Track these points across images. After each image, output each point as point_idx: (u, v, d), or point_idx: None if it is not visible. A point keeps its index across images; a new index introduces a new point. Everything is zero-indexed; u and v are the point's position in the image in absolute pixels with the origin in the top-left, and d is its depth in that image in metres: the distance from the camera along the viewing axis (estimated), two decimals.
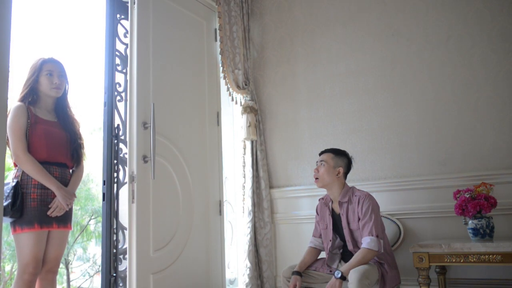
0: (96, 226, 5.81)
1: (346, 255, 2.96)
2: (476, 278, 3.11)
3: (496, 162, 3.31)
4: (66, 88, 2.88)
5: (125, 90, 3.33)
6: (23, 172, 2.58)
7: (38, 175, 2.56)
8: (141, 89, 3.17)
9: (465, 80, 3.48)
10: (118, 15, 3.41)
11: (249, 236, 3.89)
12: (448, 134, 3.49)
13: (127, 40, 3.35)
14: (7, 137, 2.58)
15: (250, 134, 4.00)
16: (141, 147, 3.09)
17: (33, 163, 2.57)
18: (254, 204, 3.96)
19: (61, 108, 2.84)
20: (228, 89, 3.99)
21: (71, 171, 2.82)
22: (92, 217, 5.71)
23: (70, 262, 5.56)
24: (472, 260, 2.71)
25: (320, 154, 3.11)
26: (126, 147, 3.15)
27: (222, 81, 4.01)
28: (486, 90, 3.42)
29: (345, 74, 3.94)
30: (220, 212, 3.86)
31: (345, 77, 3.93)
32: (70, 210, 2.78)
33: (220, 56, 3.95)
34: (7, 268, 5.60)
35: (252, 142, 4.07)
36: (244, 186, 4.05)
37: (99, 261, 5.55)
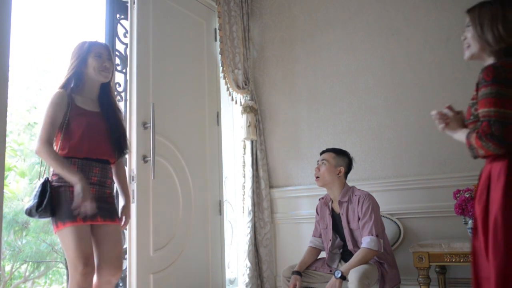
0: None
1: (346, 255, 2.97)
2: None
3: None
4: (113, 75, 2.66)
5: (125, 90, 3.33)
6: (45, 181, 2.36)
7: (59, 167, 2.29)
8: (141, 89, 3.17)
9: (465, 79, 3.48)
10: (117, 15, 3.41)
11: (249, 236, 3.89)
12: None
13: (126, 40, 3.35)
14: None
15: (250, 134, 4.00)
16: (141, 147, 3.09)
17: (50, 153, 2.30)
18: (254, 204, 3.96)
19: (106, 95, 2.59)
20: (228, 89, 3.99)
21: (112, 167, 2.58)
22: None
23: None
24: (471, 260, 2.71)
25: (321, 153, 3.11)
26: None
27: (222, 81, 4.01)
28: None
29: (345, 74, 3.93)
30: (220, 212, 3.86)
31: (345, 77, 3.93)
32: (114, 204, 2.55)
33: (220, 56, 3.95)
34: (7, 268, 5.60)
35: (252, 142, 4.07)
36: (244, 186, 4.05)
37: None
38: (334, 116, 3.94)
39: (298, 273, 2.93)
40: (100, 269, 2.40)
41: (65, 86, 2.46)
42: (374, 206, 2.85)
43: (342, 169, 3.01)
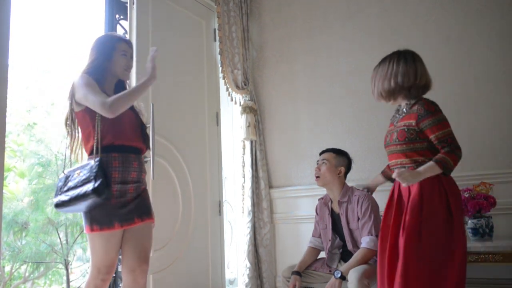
0: None
1: (345, 255, 2.97)
2: (476, 278, 3.10)
3: (495, 161, 3.31)
4: None
5: None
6: (101, 160, 2.19)
7: (133, 92, 2.23)
8: None
9: (464, 79, 3.48)
10: (117, 15, 3.41)
11: (248, 236, 3.89)
12: None
13: None
14: (76, 118, 2.31)
15: (250, 134, 4.00)
16: None
17: (118, 97, 2.20)
18: (253, 204, 3.96)
19: (122, 89, 2.48)
20: (227, 89, 3.99)
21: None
22: None
23: (70, 263, 5.55)
24: (471, 260, 2.71)
25: (321, 153, 3.12)
26: None
27: (222, 81, 4.01)
28: (486, 90, 3.42)
29: (344, 74, 3.93)
30: (220, 212, 3.86)
31: (345, 76, 3.93)
32: (149, 198, 2.44)
33: (219, 56, 3.95)
34: (7, 268, 5.60)
35: (251, 142, 4.07)
36: (243, 186, 4.05)
37: None
38: (333, 116, 3.94)
39: (297, 273, 2.93)
40: (125, 265, 2.31)
41: (90, 73, 2.33)
42: (373, 206, 2.85)
43: (343, 169, 3.02)
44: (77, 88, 2.27)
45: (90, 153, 2.26)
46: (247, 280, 3.81)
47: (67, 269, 5.39)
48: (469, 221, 2.92)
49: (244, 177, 4.06)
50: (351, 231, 2.90)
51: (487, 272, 3.15)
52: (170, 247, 3.27)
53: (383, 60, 2.51)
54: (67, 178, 2.22)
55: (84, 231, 2.26)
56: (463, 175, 3.32)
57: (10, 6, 2.46)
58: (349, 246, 2.91)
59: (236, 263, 4.11)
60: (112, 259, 2.25)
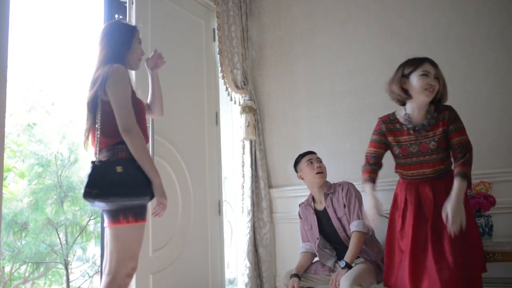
0: (95, 226, 5.81)
1: (339, 252, 3.00)
2: None
3: (495, 160, 3.31)
4: None
5: None
6: (129, 153, 2.11)
7: (147, 157, 2.10)
8: (139, 89, 3.16)
9: (464, 78, 3.48)
10: (116, 15, 3.41)
11: (248, 236, 3.89)
12: None
13: None
14: (100, 105, 2.15)
15: (249, 134, 4.00)
16: None
17: (143, 140, 2.11)
18: (253, 204, 3.96)
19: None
20: (226, 89, 3.99)
21: None
22: (92, 218, 5.71)
23: (70, 263, 5.55)
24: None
25: (311, 152, 3.24)
26: None
27: (221, 81, 4.00)
28: (485, 89, 3.42)
29: (344, 74, 3.93)
30: (219, 212, 3.86)
31: (344, 76, 3.93)
32: None
33: (218, 56, 3.94)
34: (7, 269, 5.60)
35: (251, 142, 4.07)
36: (243, 186, 4.05)
37: (98, 261, 5.55)
38: (333, 116, 3.94)
39: (296, 275, 2.94)
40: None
41: (119, 61, 2.22)
42: (356, 192, 3.01)
43: None
44: (114, 81, 2.13)
45: (116, 143, 2.14)
46: (247, 280, 3.81)
47: (67, 269, 5.39)
48: None
49: (243, 176, 4.06)
50: (339, 220, 2.98)
51: (487, 271, 3.15)
52: (169, 247, 3.27)
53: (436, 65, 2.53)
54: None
55: (111, 224, 2.12)
56: None
57: (9, 6, 2.45)
58: (341, 235, 2.97)
59: (236, 263, 4.11)
60: (138, 251, 2.19)
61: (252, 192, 3.97)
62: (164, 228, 3.24)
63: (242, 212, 4.02)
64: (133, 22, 3.22)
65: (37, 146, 6.08)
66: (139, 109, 2.27)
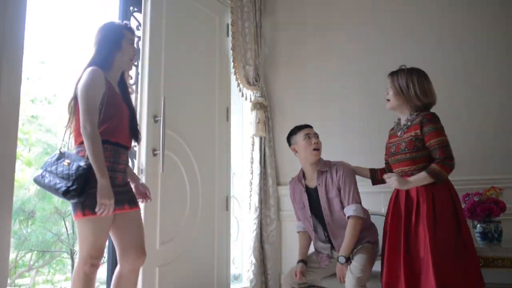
0: None
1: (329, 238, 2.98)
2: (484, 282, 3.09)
3: (506, 166, 3.30)
4: None
5: (136, 83, 3.32)
6: (90, 166, 2.21)
7: (97, 159, 2.18)
8: (152, 82, 3.17)
9: (478, 83, 3.46)
10: (131, 8, 3.40)
11: (255, 232, 3.89)
12: (458, 137, 3.45)
13: (139, 33, 3.34)
14: (76, 105, 2.28)
15: (259, 130, 3.99)
16: (150, 140, 3.09)
17: (98, 142, 2.20)
18: (260, 201, 3.96)
19: (123, 82, 2.52)
20: (238, 85, 3.98)
21: None
22: None
23: (76, 253, 5.58)
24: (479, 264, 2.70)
25: (308, 126, 3.13)
26: None
27: (233, 77, 4.00)
28: (499, 94, 3.40)
29: (356, 74, 3.92)
30: (227, 207, 3.86)
31: (357, 76, 3.91)
32: (132, 189, 2.52)
33: (231, 51, 3.94)
34: (12, 256, 5.62)
35: (260, 138, 4.07)
36: (251, 183, 4.05)
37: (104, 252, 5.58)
38: (344, 116, 3.93)
39: (302, 261, 2.97)
40: (124, 256, 2.40)
41: (96, 64, 2.33)
42: (351, 175, 2.93)
43: None
44: (84, 82, 2.26)
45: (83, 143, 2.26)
46: (252, 276, 3.82)
47: (72, 259, 5.41)
48: (478, 226, 2.91)
49: (252, 173, 4.06)
50: (329, 201, 2.91)
51: (495, 277, 3.14)
52: (176, 241, 3.27)
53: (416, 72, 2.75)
54: (59, 159, 2.26)
55: (74, 218, 2.26)
56: (473, 179, 3.31)
57: (26, 5, 2.45)
58: (327, 218, 2.91)
59: (242, 259, 4.12)
60: (102, 245, 2.29)
61: (260, 189, 3.97)
62: (171, 221, 3.24)
63: (250, 208, 4.03)
64: (148, 15, 3.22)
65: (44, 135, 6.10)
66: (113, 112, 2.33)
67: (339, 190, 2.89)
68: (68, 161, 2.23)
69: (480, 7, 3.54)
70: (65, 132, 2.40)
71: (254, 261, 3.84)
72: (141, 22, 3.28)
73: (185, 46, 3.55)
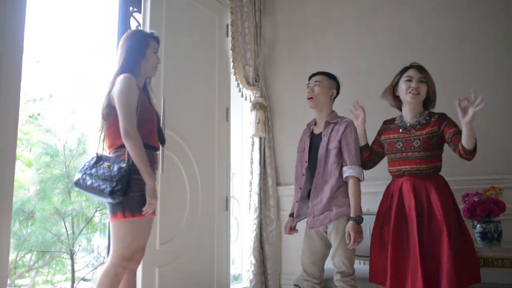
0: (101, 218, 5.82)
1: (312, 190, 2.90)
2: (484, 282, 3.08)
3: (506, 166, 3.30)
4: None
5: None
6: (131, 167, 2.28)
7: (143, 161, 2.26)
8: (152, 82, 3.16)
9: (478, 82, 3.45)
10: (130, 8, 3.40)
11: (254, 232, 3.89)
12: None
13: None
14: (110, 111, 2.34)
15: (259, 130, 3.99)
16: None
17: (141, 145, 2.27)
18: (260, 201, 3.96)
19: (146, 88, 2.61)
20: (238, 85, 3.98)
21: None
22: (98, 209, 5.72)
23: (75, 253, 5.57)
24: (479, 264, 2.70)
25: (312, 76, 3.06)
26: None
27: (232, 77, 4.00)
28: (498, 93, 3.40)
29: (356, 74, 3.92)
30: (227, 208, 3.86)
31: (356, 76, 3.91)
32: None
33: (231, 51, 3.94)
34: (12, 256, 5.62)
35: (260, 138, 4.07)
36: (251, 183, 4.05)
37: (103, 252, 5.57)
38: (344, 115, 3.91)
39: (292, 215, 3.03)
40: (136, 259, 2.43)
41: (129, 71, 2.41)
42: (356, 136, 2.87)
43: (334, 91, 3.01)
44: (119, 89, 2.32)
45: (122, 146, 2.32)
46: (251, 276, 3.82)
47: (72, 259, 5.40)
48: (478, 226, 2.91)
49: (252, 173, 4.06)
50: (327, 151, 2.85)
51: (495, 277, 3.14)
52: (176, 241, 3.28)
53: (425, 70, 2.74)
54: (97, 162, 2.30)
55: (111, 219, 2.32)
56: (473, 179, 3.31)
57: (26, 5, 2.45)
58: (319, 168, 2.84)
59: (241, 259, 4.12)
60: (138, 246, 2.36)
61: (260, 189, 3.97)
62: (171, 222, 3.24)
63: (249, 208, 4.03)
64: (148, 15, 3.23)
65: (44, 135, 6.09)
66: (147, 116, 2.42)
67: (340, 143, 2.83)
68: (108, 163, 2.28)
69: (480, 7, 3.54)
70: (100, 137, 2.44)
71: (254, 261, 3.84)
72: (141, 22, 3.28)
73: (185, 46, 3.55)
